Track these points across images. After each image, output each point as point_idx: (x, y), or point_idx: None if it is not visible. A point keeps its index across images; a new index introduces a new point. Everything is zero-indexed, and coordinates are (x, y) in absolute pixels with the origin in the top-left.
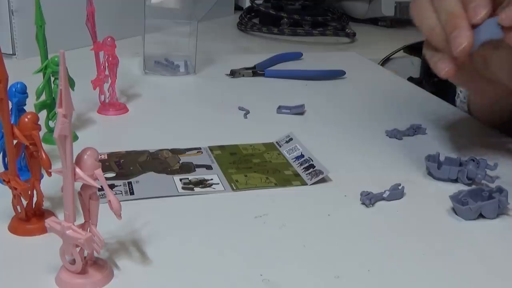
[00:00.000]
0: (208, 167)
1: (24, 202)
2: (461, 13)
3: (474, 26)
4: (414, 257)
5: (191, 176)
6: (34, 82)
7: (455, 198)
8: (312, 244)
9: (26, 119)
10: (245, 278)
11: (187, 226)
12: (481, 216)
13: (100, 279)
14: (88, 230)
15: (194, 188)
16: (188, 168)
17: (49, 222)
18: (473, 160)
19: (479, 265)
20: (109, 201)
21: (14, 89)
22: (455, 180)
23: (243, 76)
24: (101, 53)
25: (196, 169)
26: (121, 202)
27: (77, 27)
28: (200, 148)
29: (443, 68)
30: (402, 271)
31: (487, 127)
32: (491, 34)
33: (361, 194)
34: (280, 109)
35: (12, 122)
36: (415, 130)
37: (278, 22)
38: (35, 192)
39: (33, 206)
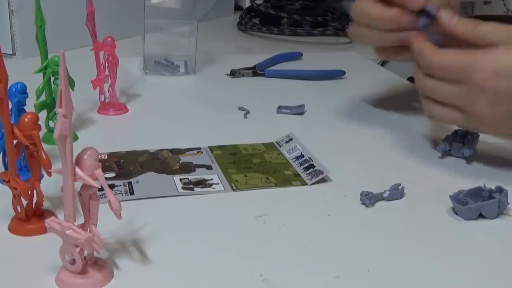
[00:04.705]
0: (208, 167)
1: (24, 202)
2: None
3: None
4: (414, 257)
5: (191, 176)
6: (34, 82)
7: (455, 198)
8: (312, 244)
9: (26, 119)
10: (245, 278)
11: (187, 226)
12: (481, 216)
13: (100, 279)
14: (88, 230)
15: (194, 188)
16: (188, 168)
17: (49, 222)
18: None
19: (479, 265)
20: (109, 201)
21: (14, 89)
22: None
23: (243, 76)
24: (101, 53)
25: (196, 169)
26: (121, 202)
27: (77, 27)
28: (200, 148)
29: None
30: (402, 271)
31: None
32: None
33: (361, 194)
34: (280, 109)
35: (12, 122)
36: None
37: (278, 22)
38: (35, 192)
39: (33, 206)
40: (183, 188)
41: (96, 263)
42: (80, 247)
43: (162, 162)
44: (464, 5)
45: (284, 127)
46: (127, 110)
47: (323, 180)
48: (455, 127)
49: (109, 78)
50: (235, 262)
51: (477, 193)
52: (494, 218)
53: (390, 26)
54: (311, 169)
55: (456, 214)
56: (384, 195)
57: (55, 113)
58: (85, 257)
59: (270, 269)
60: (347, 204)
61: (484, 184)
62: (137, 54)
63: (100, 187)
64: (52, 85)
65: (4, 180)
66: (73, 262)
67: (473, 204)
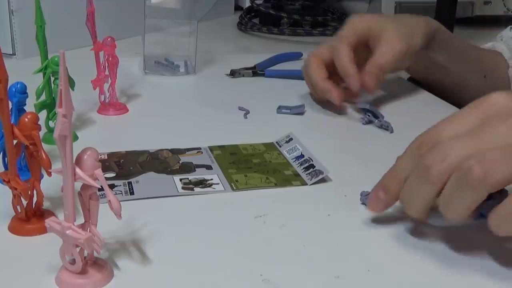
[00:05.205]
0: (208, 167)
1: (24, 202)
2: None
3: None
4: (414, 257)
5: (191, 176)
6: (34, 82)
7: None
8: (312, 244)
9: (26, 119)
10: (245, 278)
11: (187, 226)
12: (481, 216)
13: (100, 279)
14: (88, 230)
15: (194, 188)
16: (188, 168)
17: (49, 222)
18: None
19: (479, 265)
20: (109, 201)
21: (14, 89)
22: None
23: (243, 76)
24: (101, 53)
25: (196, 169)
26: (121, 202)
27: (77, 27)
28: (200, 148)
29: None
30: (402, 271)
31: None
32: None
33: (361, 194)
34: (280, 109)
35: (12, 122)
36: None
37: (278, 22)
38: (35, 192)
39: (33, 206)
40: (183, 188)
41: (96, 263)
42: (80, 247)
43: (162, 162)
44: (464, 5)
45: (284, 127)
46: (127, 110)
47: (323, 180)
48: None
49: (109, 78)
50: (235, 262)
51: None
52: None
53: (318, 93)
54: (311, 169)
55: None
56: None
57: (55, 113)
58: (85, 257)
59: (270, 269)
60: (347, 204)
61: None
62: (137, 54)
63: (100, 187)
64: (52, 85)
65: (4, 180)
66: (73, 262)
67: None
